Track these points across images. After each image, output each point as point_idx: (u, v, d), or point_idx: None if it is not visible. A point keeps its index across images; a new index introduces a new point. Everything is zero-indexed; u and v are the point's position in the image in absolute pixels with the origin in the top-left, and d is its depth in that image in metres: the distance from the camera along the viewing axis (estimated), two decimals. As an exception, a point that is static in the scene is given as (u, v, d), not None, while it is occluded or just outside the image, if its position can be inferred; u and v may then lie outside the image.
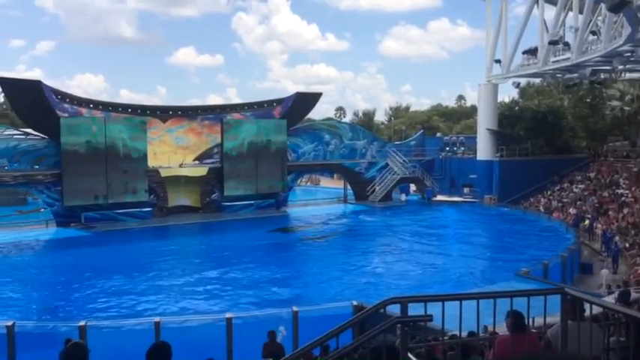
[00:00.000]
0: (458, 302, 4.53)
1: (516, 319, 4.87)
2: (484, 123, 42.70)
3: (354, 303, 13.18)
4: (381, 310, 4.52)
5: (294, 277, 21.98)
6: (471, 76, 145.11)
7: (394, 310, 4.82)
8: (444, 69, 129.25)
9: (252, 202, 37.46)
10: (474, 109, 69.74)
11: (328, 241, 30.02)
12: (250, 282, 20.72)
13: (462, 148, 49.03)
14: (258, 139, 37.18)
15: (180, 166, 35.91)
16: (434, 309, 4.57)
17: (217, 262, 24.75)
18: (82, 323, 10.84)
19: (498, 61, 41.99)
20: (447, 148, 49.10)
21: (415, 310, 4.61)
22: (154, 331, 11.22)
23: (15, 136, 31.42)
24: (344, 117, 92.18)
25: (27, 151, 31.17)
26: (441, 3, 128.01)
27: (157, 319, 11.60)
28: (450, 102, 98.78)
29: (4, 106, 66.37)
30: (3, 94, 47.78)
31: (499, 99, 45.93)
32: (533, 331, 5.20)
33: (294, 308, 12.84)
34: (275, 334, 10.90)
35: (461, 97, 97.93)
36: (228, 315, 12.36)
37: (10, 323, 10.30)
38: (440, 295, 4.50)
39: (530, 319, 5.00)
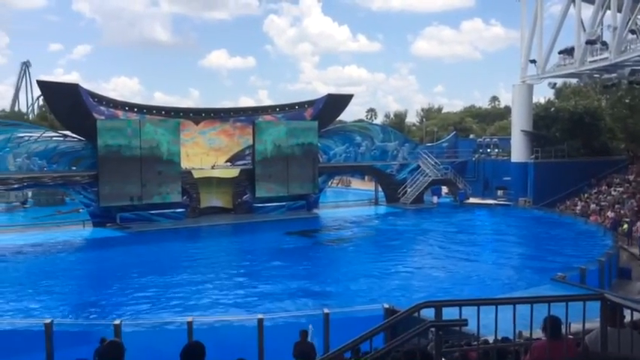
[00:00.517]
0: (493, 307, 4.45)
1: (554, 325, 4.76)
2: (519, 124, 41.99)
3: (385, 306, 13.07)
4: (415, 314, 4.48)
5: (324, 278, 21.92)
6: (505, 76, 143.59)
7: (427, 313, 4.76)
8: (477, 70, 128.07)
9: (283, 203, 37.64)
10: (507, 110, 68.64)
11: (358, 243, 29.90)
12: (281, 283, 20.76)
13: (496, 150, 48.33)
14: (290, 140, 37.33)
15: (213, 167, 36.35)
16: (467, 313, 4.49)
17: (249, 262, 24.93)
18: (117, 322, 11.03)
19: (533, 62, 41.25)
20: (481, 150, 48.46)
21: (448, 314, 4.54)
22: (187, 331, 11.34)
23: (54, 138, 32.23)
24: (375, 118, 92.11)
25: (65, 153, 31.97)
26: (474, 3, 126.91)
27: (189, 318, 11.71)
28: (484, 103, 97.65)
29: (43, 109, 68.37)
30: (43, 97, 49.23)
31: (534, 100, 45.13)
32: (570, 337, 5.07)
33: (325, 310, 12.81)
34: (307, 334, 10.88)
35: (494, 98, 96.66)
36: (259, 316, 12.41)
37: (48, 321, 10.55)
38: (475, 300, 4.41)
39: (567, 325, 4.88)
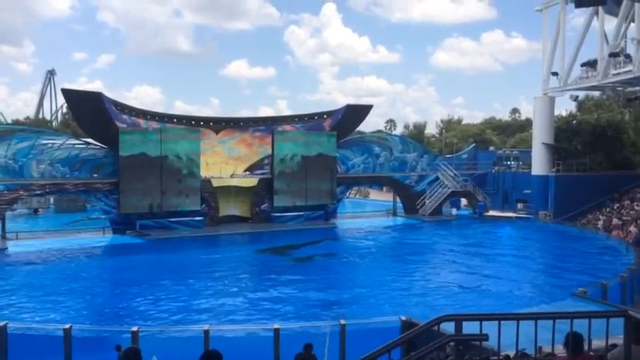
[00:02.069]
0: (514, 322, 4.39)
1: (576, 341, 4.68)
2: (540, 137, 41.57)
3: (402, 318, 12.95)
4: (434, 327, 4.43)
5: (340, 289, 21.83)
6: (526, 88, 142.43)
7: (446, 327, 4.70)
8: (497, 81, 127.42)
9: (301, 213, 37.68)
10: (528, 123, 67.99)
11: (375, 254, 29.76)
12: (297, 292, 20.72)
13: (516, 163, 47.84)
14: (308, 150, 37.41)
15: (232, 176, 36.59)
16: (486, 328, 4.44)
17: (266, 271, 24.93)
18: (135, 328, 11.08)
19: (555, 74, 40.87)
20: (501, 162, 48.02)
21: (467, 328, 4.48)
22: (204, 339, 11.35)
23: (76, 146, 32.73)
24: (394, 129, 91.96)
25: (87, 160, 32.44)
26: (496, 15, 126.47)
27: (206, 327, 11.72)
28: (504, 115, 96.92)
29: (67, 117, 69.54)
30: (66, 105, 50.09)
31: (555, 112, 44.65)
32: (591, 354, 4.98)
33: (342, 321, 12.73)
34: (311, 347, 10.68)
35: (515, 110, 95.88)
36: (275, 326, 12.38)
37: (67, 326, 10.65)
38: (496, 314, 4.35)
39: (589, 342, 4.80)
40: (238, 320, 16.77)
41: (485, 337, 4.14)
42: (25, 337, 11.23)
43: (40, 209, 44.65)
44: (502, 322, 4.27)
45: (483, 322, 4.19)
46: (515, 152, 50.31)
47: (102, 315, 17.81)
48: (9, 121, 70.33)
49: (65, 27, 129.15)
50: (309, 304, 19.29)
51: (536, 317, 4.43)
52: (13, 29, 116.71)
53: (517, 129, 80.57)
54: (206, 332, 11.38)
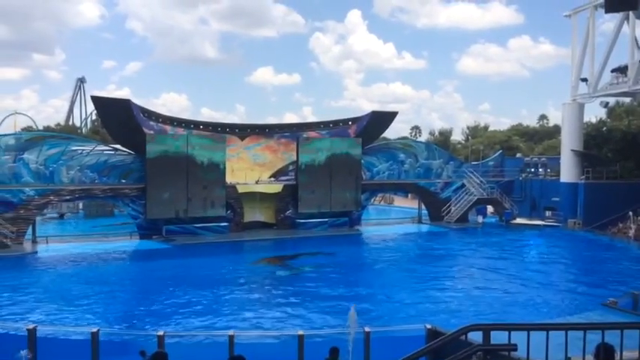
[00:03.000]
0: (543, 332, 4.28)
1: (607, 352, 4.55)
2: (568, 144, 40.89)
3: (428, 326, 12.80)
4: (461, 337, 4.35)
5: (363, 295, 21.70)
6: (555, 95, 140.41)
7: (473, 337, 4.62)
8: (524, 87, 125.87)
9: (325, 219, 37.64)
10: (557, 129, 67.00)
11: (400, 260, 29.53)
12: (322, 298, 20.66)
13: (545, 170, 47.11)
14: (333, 157, 37.40)
15: (257, 182, 36.77)
16: (516, 338, 4.34)
17: (290, 278, 24.92)
18: (161, 333, 11.16)
19: (585, 80, 40.22)
20: (528, 169, 47.34)
21: (495, 338, 4.39)
22: (228, 345, 11.37)
23: (105, 152, 33.32)
24: (419, 136, 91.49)
25: (115, 166, 32.96)
26: (523, 20, 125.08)
27: (231, 332, 11.75)
28: (532, 121, 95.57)
29: (96, 123, 70.84)
30: (96, 112, 51.03)
31: (585, 119, 43.92)
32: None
33: (366, 329, 12.63)
34: (338, 352, 10.52)
35: (543, 117, 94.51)
36: (300, 332, 12.34)
37: (95, 330, 10.77)
38: (525, 324, 4.26)
39: (621, 353, 4.67)
40: (262, 326, 16.79)
41: (514, 348, 4.05)
42: (54, 340, 11.40)
43: (65, 214, 45.34)
44: (531, 332, 4.17)
45: (512, 332, 4.10)
46: (543, 159, 49.54)
47: (128, 319, 18.00)
48: (40, 128, 72.02)
49: (95, 35, 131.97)
50: (330, 309, 19.20)
51: (566, 327, 4.33)
52: (45, 38, 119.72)
53: (545, 136, 79.35)
54: (231, 337, 11.39)
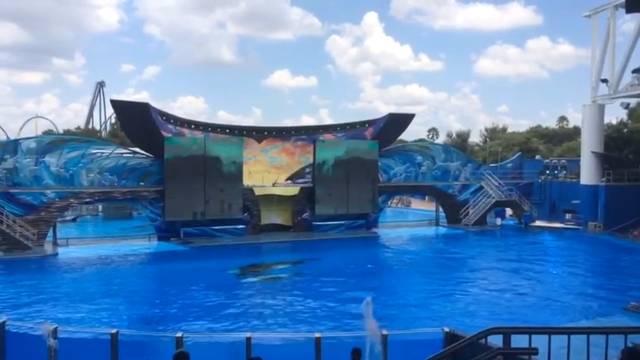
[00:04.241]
0: (564, 336, 4.22)
1: (633, 357, 4.47)
2: (589, 145, 40.35)
3: (446, 329, 12.69)
4: (480, 340, 4.30)
5: (380, 297, 21.60)
6: (574, 96, 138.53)
7: (493, 340, 4.56)
8: (543, 89, 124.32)
9: (342, 222, 37.61)
10: (576, 131, 66.02)
11: (417, 263, 29.35)
12: (338, 302, 20.62)
13: (564, 172, 46.55)
14: (350, 159, 37.36)
15: (274, 185, 36.86)
16: (537, 342, 4.28)
17: (307, 280, 24.92)
18: (179, 334, 11.21)
19: (605, 81, 39.68)
20: (547, 172, 46.81)
21: (514, 342, 4.33)
22: (245, 346, 11.39)
23: (124, 155, 33.70)
24: (437, 138, 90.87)
25: (134, 169, 33.30)
26: (541, 21, 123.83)
27: (248, 334, 11.77)
28: (551, 123, 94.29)
29: (115, 127, 71.64)
30: (115, 116, 51.59)
31: (605, 120, 43.29)
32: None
33: (384, 332, 12.57)
34: (360, 353, 10.46)
35: (562, 118, 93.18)
36: (317, 334, 12.32)
37: (114, 331, 10.86)
38: (547, 328, 4.19)
39: None
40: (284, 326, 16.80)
41: (535, 351, 3.99)
42: (74, 340, 11.52)
43: (77, 218, 45.22)
44: (552, 335, 4.10)
45: (533, 336, 4.04)
46: (563, 161, 48.93)
47: (146, 320, 18.15)
48: (60, 131, 73.06)
49: (114, 40, 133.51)
50: (349, 312, 19.15)
51: (588, 331, 4.25)
52: (65, 43, 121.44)
53: (564, 137, 78.31)
54: (248, 339, 11.42)
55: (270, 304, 20.50)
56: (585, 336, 4.24)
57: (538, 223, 41.94)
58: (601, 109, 40.77)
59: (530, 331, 4.01)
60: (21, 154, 30.49)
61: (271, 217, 37.26)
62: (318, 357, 11.83)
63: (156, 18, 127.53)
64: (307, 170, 38.39)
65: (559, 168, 47.34)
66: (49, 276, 25.34)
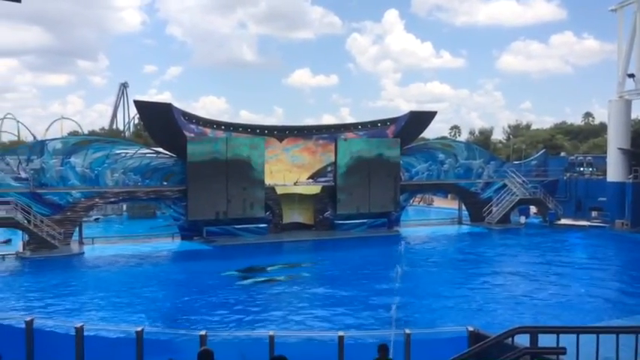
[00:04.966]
0: (593, 335, 4.13)
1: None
2: (615, 142, 39.62)
3: (470, 328, 12.57)
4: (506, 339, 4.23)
5: (403, 297, 21.51)
6: (600, 91, 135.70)
7: (520, 340, 4.49)
8: (568, 85, 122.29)
9: (364, 220, 37.50)
10: (602, 127, 64.95)
11: (440, 262, 29.15)
12: (361, 301, 20.59)
13: (590, 169, 45.76)
14: (372, 158, 37.23)
15: (295, 184, 36.91)
16: (564, 341, 4.20)
17: (329, 279, 24.93)
18: (203, 333, 11.30)
19: (632, 76, 38.93)
20: (573, 169, 46.07)
21: (542, 341, 4.26)
22: (269, 345, 11.43)
23: (147, 155, 34.07)
24: (459, 136, 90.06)
25: (157, 169, 33.66)
26: (566, 16, 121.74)
27: (271, 332, 11.82)
28: (576, 119, 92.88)
29: (138, 127, 72.50)
30: (138, 116, 52.20)
31: (632, 116, 42.46)
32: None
33: (407, 330, 12.50)
34: (387, 350, 10.39)
35: (588, 115, 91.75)
36: (340, 333, 12.31)
37: (139, 329, 10.99)
38: (575, 327, 4.11)
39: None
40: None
41: (563, 351, 3.91)
42: (100, 338, 11.70)
43: (99, 218, 45.30)
44: (581, 335, 4.02)
45: (560, 335, 3.97)
46: (589, 158, 48.14)
47: (171, 318, 18.34)
48: (85, 132, 74.21)
49: (136, 41, 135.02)
50: (373, 309, 19.10)
51: (617, 331, 4.16)
52: (89, 45, 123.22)
53: (590, 134, 77.06)
54: (271, 337, 11.46)
55: (292, 302, 20.56)
56: (614, 335, 4.13)
57: (563, 221, 41.33)
58: (628, 104, 40.06)
59: (558, 331, 3.94)
60: (47, 155, 31.05)
61: (293, 215, 37.33)
62: (341, 356, 11.82)
63: (177, 19, 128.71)
64: (329, 169, 38.36)
65: (585, 165, 46.58)
66: (76, 274, 25.80)
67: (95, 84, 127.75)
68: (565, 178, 44.67)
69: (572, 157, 49.70)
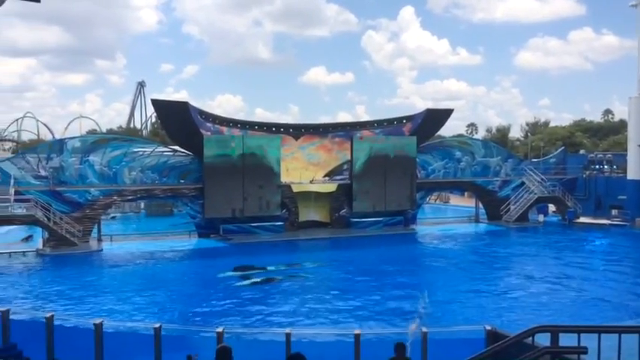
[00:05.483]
0: (615, 335, 4.06)
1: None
2: (636, 139, 39.01)
3: (487, 327, 12.46)
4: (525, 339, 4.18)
5: (419, 295, 21.41)
6: (620, 88, 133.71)
7: (539, 339, 4.43)
8: (587, 81, 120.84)
9: (380, 218, 37.38)
10: (623, 124, 63.93)
11: (458, 260, 28.94)
12: (379, 298, 20.54)
13: (610, 167, 45.09)
14: (388, 156, 37.09)
15: (311, 182, 36.90)
16: (585, 341, 4.14)
17: (348, 277, 24.91)
18: (220, 330, 11.36)
19: (653, 71, 38.25)
20: (592, 166, 45.47)
21: (563, 341, 4.20)
22: (285, 342, 11.45)
23: (164, 153, 34.32)
24: (476, 133, 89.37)
25: (174, 167, 33.89)
26: (585, 12, 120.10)
27: (287, 330, 11.84)
28: (595, 117, 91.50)
29: (155, 126, 73.08)
30: (155, 115, 52.61)
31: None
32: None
33: (424, 329, 12.44)
34: (405, 349, 10.29)
35: (608, 112, 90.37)
36: (356, 331, 12.29)
37: (157, 325, 11.07)
38: (597, 326, 4.05)
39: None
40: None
41: (585, 350, 3.84)
42: (119, 334, 11.81)
43: (115, 217, 45.57)
44: (603, 334, 3.96)
45: (582, 335, 3.90)
46: (609, 155, 47.46)
47: (186, 315, 18.46)
48: (103, 131, 75.00)
49: (153, 40, 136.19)
50: (390, 309, 19.05)
51: (641, 331, 4.09)
52: (107, 44, 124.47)
53: (610, 131, 75.93)
54: (288, 335, 11.47)
55: (310, 300, 20.57)
56: (638, 335, 4.06)
57: (582, 219, 40.81)
58: (649, 101, 39.39)
59: (579, 330, 3.87)
60: (66, 154, 31.43)
61: (309, 213, 37.36)
62: (358, 353, 11.79)
63: (194, 18, 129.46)
64: (345, 167, 38.30)
65: (604, 163, 45.95)
66: (95, 271, 26.13)
67: (113, 83, 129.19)
68: (584, 176, 44.11)
69: (592, 155, 49.09)
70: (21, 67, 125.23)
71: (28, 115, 78.09)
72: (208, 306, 19.80)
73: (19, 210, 29.63)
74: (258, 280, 23.48)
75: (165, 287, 22.65)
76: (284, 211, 35.55)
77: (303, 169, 37.33)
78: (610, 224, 39.30)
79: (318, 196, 37.04)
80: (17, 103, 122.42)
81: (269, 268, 25.80)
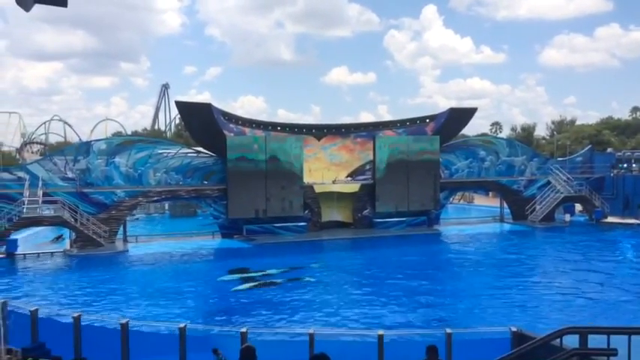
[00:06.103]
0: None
1: None
2: (665, 136, 38.10)
3: (513, 329, 12.30)
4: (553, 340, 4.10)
5: (443, 296, 21.23)
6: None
7: (567, 341, 4.36)
8: (614, 78, 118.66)
9: (403, 219, 37.19)
10: (652, 122, 62.59)
11: (482, 261, 28.62)
12: (401, 299, 20.42)
13: (638, 165, 44.11)
14: (411, 155, 36.88)
15: (334, 182, 36.89)
16: (615, 342, 4.05)
17: (370, 277, 24.83)
18: (244, 329, 11.42)
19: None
20: (620, 165, 44.53)
21: (592, 342, 4.11)
22: (309, 342, 11.45)
23: (188, 155, 34.69)
24: (500, 132, 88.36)
25: (198, 168, 34.21)
26: (611, 8, 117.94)
27: (311, 330, 11.84)
28: (623, 114, 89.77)
29: (179, 127, 73.82)
30: (179, 116, 53.14)
31: (684, 109, 40.77)
32: None
33: (448, 330, 12.32)
34: (436, 351, 10.18)
35: (636, 109, 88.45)
36: (380, 332, 12.23)
37: (182, 325, 11.18)
38: (627, 328, 3.95)
39: None
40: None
41: (615, 352, 3.76)
42: (144, 334, 11.95)
43: (137, 218, 45.63)
44: (633, 336, 3.86)
45: (611, 336, 3.82)
46: (637, 154, 46.44)
47: (212, 314, 18.60)
48: (129, 133, 76.03)
49: (177, 43, 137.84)
50: (414, 309, 18.93)
51: (673, 333, 3.98)
52: (132, 47, 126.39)
53: (638, 129, 74.37)
54: (311, 335, 11.48)
55: (330, 299, 20.56)
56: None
57: (610, 219, 40.01)
58: (679, 97, 38.47)
59: (609, 331, 3.79)
60: (93, 156, 31.96)
61: (332, 214, 37.35)
62: (381, 354, 11.74)
63: (216, 20, 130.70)
64: (367, 167, 38.20)
65: (633, 161, 44.99)
66: (121, 271, 26.50)
67: (138, 85, 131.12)
68: (612, 174, 43.23)
69: (620, 153, 48.05)
70: (48, 71, 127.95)
71: (55, 117, 79.52)
72: (230, 304, 19.91)
73: (47, 211, 30.25)
74: (287, 279, 23.56)
75: (190, 287, 22.84)
76: (307, 211, 35.60)
77: (326, 170, 37.35)
78: (639, 224, 38.44)
79: (340, 196, 37.01)
80: (45, 107, 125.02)
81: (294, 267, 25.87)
